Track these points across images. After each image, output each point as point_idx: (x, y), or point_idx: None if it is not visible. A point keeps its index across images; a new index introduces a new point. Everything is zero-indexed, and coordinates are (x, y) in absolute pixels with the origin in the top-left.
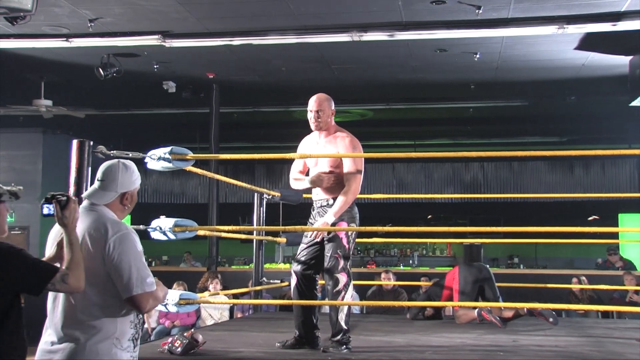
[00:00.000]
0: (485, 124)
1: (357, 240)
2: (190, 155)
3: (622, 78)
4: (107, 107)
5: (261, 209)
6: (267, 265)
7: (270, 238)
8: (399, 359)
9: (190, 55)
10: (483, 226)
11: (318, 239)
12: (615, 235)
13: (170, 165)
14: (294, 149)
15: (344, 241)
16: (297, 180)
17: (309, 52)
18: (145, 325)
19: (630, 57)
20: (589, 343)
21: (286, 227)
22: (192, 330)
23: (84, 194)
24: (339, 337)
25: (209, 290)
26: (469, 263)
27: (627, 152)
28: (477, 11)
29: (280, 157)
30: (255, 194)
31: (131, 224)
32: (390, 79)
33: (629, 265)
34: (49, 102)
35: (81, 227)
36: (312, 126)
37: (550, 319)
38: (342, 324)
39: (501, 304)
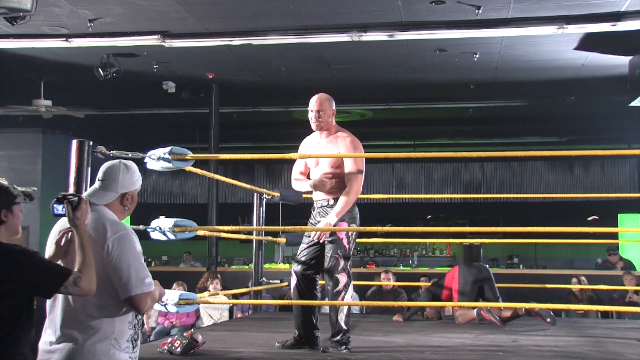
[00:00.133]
0: (485, 124)
1: (357, 240)
2: (190, 155)
3: (622, 78)
4: (106, 107)
5: (261, 209)
6: (266, 266)
7: (270, 238)
8: (399, 359)
9: (190, 55)
10: (483, 226)
11: (321, 240)
12: (614, 236)
13: (169, 165)
14: (294, 149)
15: (345, 241)
16: (298, 181)
17: (309, 52)
18: (145, 326)
19: (629, 57)
20: (588, 343)
21: (286, 227)
22: (192, 330)
23: (84, 194)
24: (338, 337)
25: (209, 291)
26: (468, 263)
27: (627, 152)
28: (476, 11)
29: (280, 157)
30: (255, 194)
31: (131, 224)
32: (390, 79)
33: (628, 265)
34: (48, 102)
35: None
36: (313, 126)
37: (548, 319)
38: (342, 324)
39: (500, 304)
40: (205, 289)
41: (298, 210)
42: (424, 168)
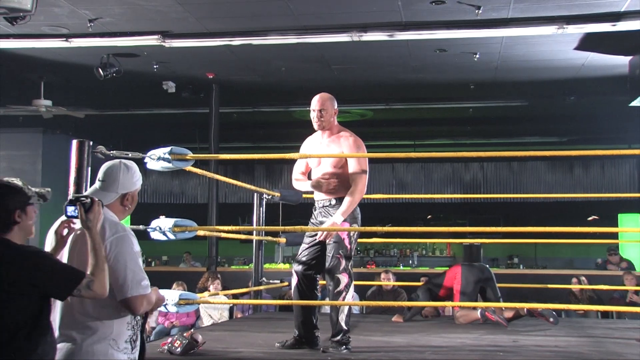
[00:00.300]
0: (485, 124)
1: (358, 240)
2: (190, 155)
3: (622, 78)
4: (106, 107)
5: (261, 209)
6: (266, 266)
7: (270, 238)
8: (399, 359)
9: (189, 55)
10: (483, 226)
11: (327, 240)
12: (615, 236)
13: (169, 165)
14: (293, 149)
15: (346, 242)
16: (299, 181)
17: (309, 52)
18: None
19: (629, 57)
20: (588, 343)
21: (286, 227)
22: (192, 330)
23: (74, 193)
24: (339, 337)
25: (209, 291)
26: (470, 263)
27: (627, 152)
28: (476, 11)
29: (280, 157)
30: (255, 194)
31: (131, 224)
32: (390, 79)
33: (630, 265)
34: (48, 102)
35: (80, 227)
36: (315, 125)
37: (551, 319)
38: (343, 324)
39: (502, 304)
40: (205, 289)
41: (298, 210)
42: (424, 168)
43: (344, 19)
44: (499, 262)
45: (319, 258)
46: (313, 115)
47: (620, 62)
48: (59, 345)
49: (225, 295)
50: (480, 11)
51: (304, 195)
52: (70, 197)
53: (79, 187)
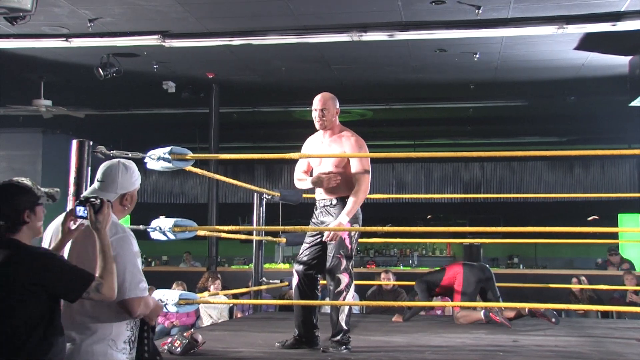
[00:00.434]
0: (485, 124)
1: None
2: (190, 155)
3: (622, 78)
4: (106, 107)
5: (261, 209)
6: (266, 265)
7: (270, 238)
8: (399, 359)
9: (189, 55)
10: (483, 226)
11: (335, 241)
12: (615, 235)
13: (170, 165)
14: (293, 148)
15: (347, 241)
16: (300, 181)
17: (309, 52)
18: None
19: (629, 57)
20: (589, 343)
21: (286, 227)
22: (192, 330)
23: (83, 194)
24: (339, 337)
25: (209, 291)
26: (471, 263)
27: (627, 152)
28: (476, 11)
29: (280, 157)
30: (255, 194)
31: (131, 224)
32: (390, 79)
33: (629, 266)
34: (48, 102)
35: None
36: (317, 125)
37: (553, 319)
38: (343, 324)
39: (502, 304)
40: (205, 289)
41: (298, 210)
42: (424, 168)
43: (344, 19)
44: (499, 262)
45: (320, 258)
46: (315, 115)
47: (620, 62)
48: None
49: (225, 295)
50: (480, 11)
51: (304, 195)
52: (80, 197)
53: (79, 187)
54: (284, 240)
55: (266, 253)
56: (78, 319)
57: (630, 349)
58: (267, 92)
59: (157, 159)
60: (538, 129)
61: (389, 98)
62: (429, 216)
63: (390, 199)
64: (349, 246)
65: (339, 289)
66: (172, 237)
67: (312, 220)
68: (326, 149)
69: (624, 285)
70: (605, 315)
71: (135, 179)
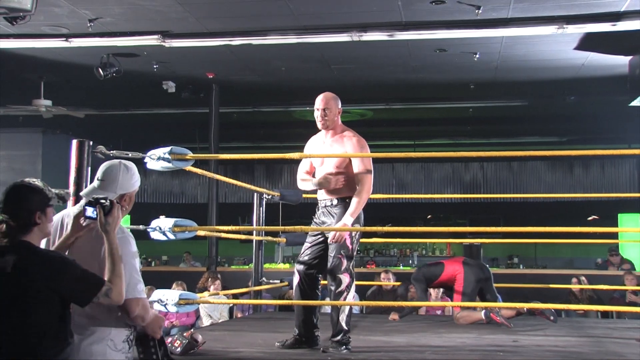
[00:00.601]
0: (485, 124)
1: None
2: (190, 155)
3: (622, 78)
4: (106, 107)
5: (261, 209)
6: (266, 265)
7: (270, 238)
8: (399, 359)
9: (190, 55)
10: (483, 226)
11: (340, 242)
12: (615, 236)
13: (169, 165)
14: (294, 148)
15: (348, 242)
16: (304, 181)
17: (309, 52)
18: None
19: (629, 57)
20: (588, 343)
21: (286, 227)
22: (192, 330)
23: (82, 193)
24: (339, 337)
25: (209, 291)
26: (470, 261)
27: (627, 152)
28: (476, 11)
29: (280, 157)
30: (255, 194)
31: (131, 224)
32: (390, 79)
33: (630, 267)
34: (48, 102)
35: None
36: (319, 125)
37: (551, 317)
38: (343, 324)
39: (501, 304)
40: (205, 289)
41: (298, 210)
42: (424, 168)
43: (344, 19)
44: (499, 262)
45: (322, 257)
46: (317, 115)
47: (620, 62)
48: None
49: (225, 295)
50: (480, 11)
51: (305, 195)
52: (89, 198)
53: (78, 187)
54: (284, 240)
55: (266, 253)
56: (76, 319)
57: (630, 349)
58: (267, 92)
59: (157, 159)
60: (538, 129)
61: (389, 98)
62: (429, 216)
63: (390, 199)
64: (350, 246)
65: (340, 289)
66: (172, 237)
67: (314, 220)
68: (328, 149)
69: (624, 285)
70: (605, 315)
71: (135, 181)
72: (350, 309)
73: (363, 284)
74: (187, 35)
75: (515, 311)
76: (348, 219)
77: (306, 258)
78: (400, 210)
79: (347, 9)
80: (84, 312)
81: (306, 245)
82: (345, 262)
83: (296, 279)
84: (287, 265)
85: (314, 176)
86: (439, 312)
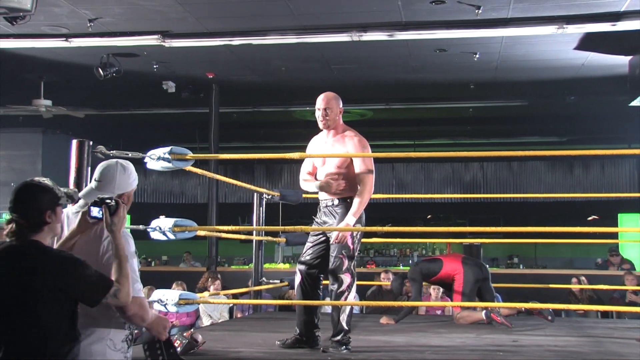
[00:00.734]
0: (485, 124)
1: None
2: (190, 155)
3: (622, 78)
4: (106, 107)
5: (261, 209)
6: (266, 265)
7: (269, 238)
8: (399, 359)
9: (189, 55)
10: (483, 226)
11: (343, 242)
12: (615, 235)
13: (169, 165)
14: (294, 148)
15: (349, 242)
16: (306, 182)
17: (309, 52)
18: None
19: (629, 57)
20: (588, 343)
21: (286, 227)
22: (192, 330)
23: (80, 193)
24: (339, 337)
25: (209, 291)
26: (469, 259)
27: (627, 152)
28: (476, 11)
29: (280, 157)
30: (255, 194)
31: (131, 224)
32: (390, 79)
33: (630, 267)
34: (48, 102)
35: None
36: (320, 124)
37: (549, 317)
38: (344, 324)
39: (501, 304)
40: (205, 289)
41: (298, 210)
42: (424, 168)
43: (344, 19)
44: (499, 262)
45: (323, 257)
46: (318, 114)
47: (620, 62)
48: None
49: (225, 295)
50: (480, 11)
51: (305, 195)
52: (89, 199)
53: (78, 187)
54: (283, 240)
55: (266, 253)
56: None
57: (630, 349)
58: (267, 92)
59: (157, 159)
60: (538, 129)
61: (389, 98)
62: (429, 216)
63: (390, 199)
64: (351, 246)
65: (341, 289)
66: (172, 237)
67: (316, 219)
68: (329, 149)
69: (624, 285)
70: (605, 315)
71: (132, 180)
72: (351, 309)
73: (363, 284)
74: (187, 35)
75: (515, 310)
76: (350, 219)
77: (308, 258)
78: (400, 210)
79: (347, 9)
80: (84, 311)
81: (308, 245)
82: (346, 262)
83: (298, 279)
84: (287, 265)
85: (316, 176)
86: (439, 312)
